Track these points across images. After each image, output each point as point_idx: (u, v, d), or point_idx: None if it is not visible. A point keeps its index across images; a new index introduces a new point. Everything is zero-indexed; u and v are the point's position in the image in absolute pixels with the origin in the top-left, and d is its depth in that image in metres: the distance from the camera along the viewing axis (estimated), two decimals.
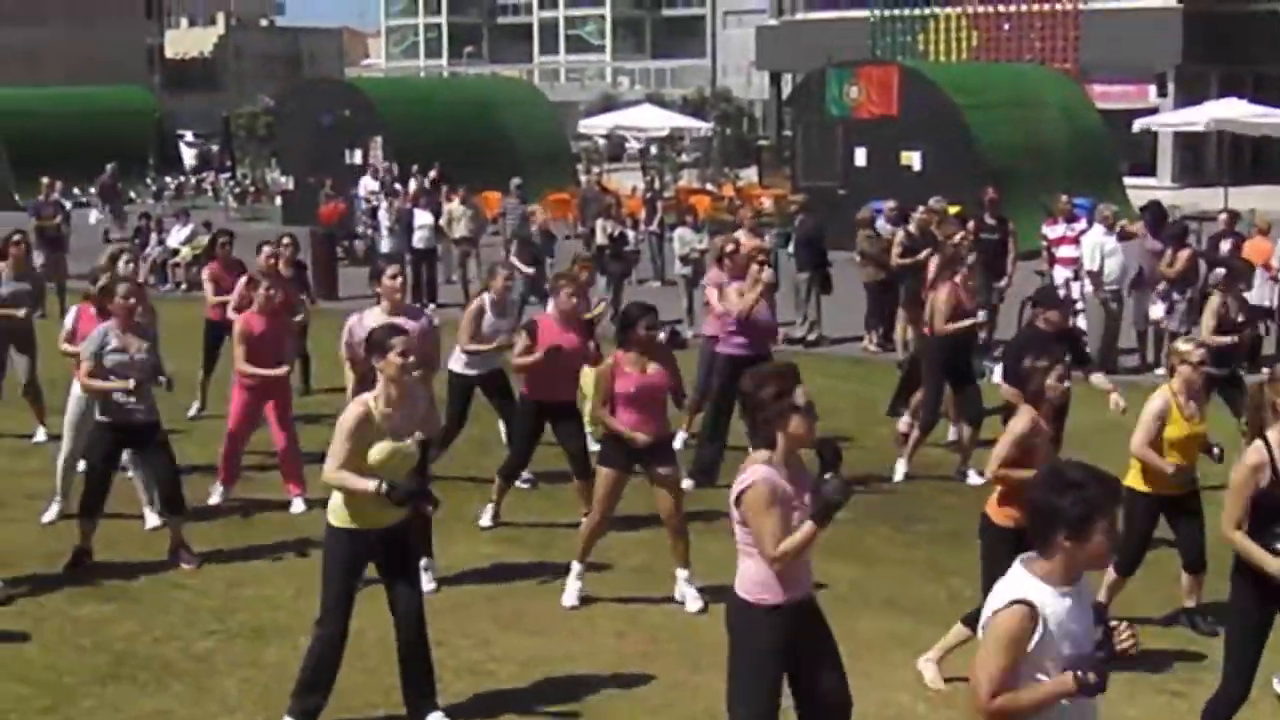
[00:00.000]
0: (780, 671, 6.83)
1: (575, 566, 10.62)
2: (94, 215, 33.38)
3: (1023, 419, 8.83)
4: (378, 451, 8.06)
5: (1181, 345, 10.10)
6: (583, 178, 46.76)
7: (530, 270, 21.34)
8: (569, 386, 12.28)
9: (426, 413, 8.60)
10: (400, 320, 10.68)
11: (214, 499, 13.20)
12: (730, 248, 14.48)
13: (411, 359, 8.24)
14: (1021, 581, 5.13)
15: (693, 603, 10.35)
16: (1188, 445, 9.76)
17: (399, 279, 11.47)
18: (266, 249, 15.19)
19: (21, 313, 15.33)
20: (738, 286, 13.84)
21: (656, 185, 37.94)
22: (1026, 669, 5.08)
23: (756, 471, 6.65)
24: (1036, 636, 5.05)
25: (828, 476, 6.57)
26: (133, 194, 49.33)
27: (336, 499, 8.24)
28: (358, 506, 8.13)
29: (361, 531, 8.17)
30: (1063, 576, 5.12)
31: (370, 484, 7.93)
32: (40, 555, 11.63)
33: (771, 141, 55.91)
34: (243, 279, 15.28)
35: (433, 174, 34.01)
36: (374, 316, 11.06)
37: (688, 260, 23.26)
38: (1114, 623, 5.17)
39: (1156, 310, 18.80)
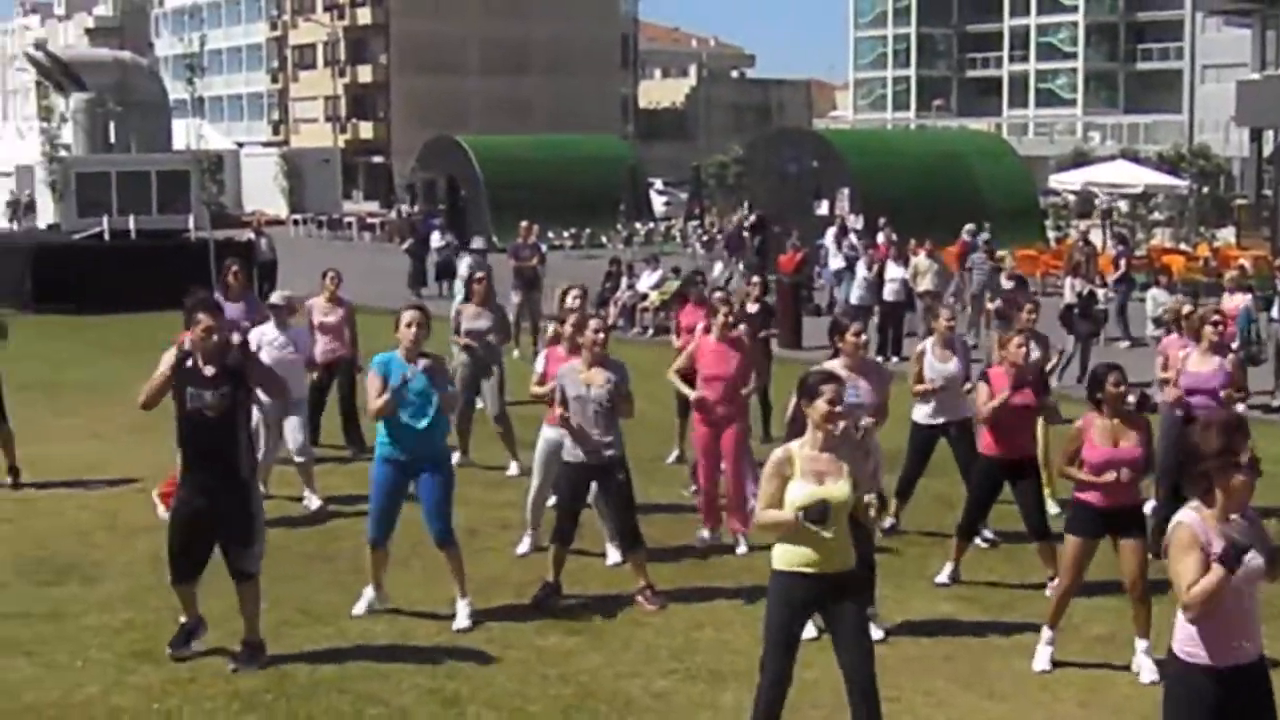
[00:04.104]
0: None
1: (1046, 632, 10.39)
2: (718, 267, 33.52)
3: None
4: (796, 494, 8.03)
5: None
6: (1051, 234, 45.92)
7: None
8: (1026, 442, 12.11)
9: (874, 468, 8.55)
10: (858, 377, 10.77)
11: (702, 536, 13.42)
12: (1187, 309, 14.04)
13: (839, 408, 8.21)
14: None
15: (1148, 674, 9.95)
16: None
17: (863, 336, 11.46)
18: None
19: (492, 337, 16.28)
20: (1188, 350, 13.47)
21: (1127, 243, 36.88)
22: None
23: (1180, 516, 6.41)
24: None
25: (1233, 517, 6.27)
26: (603, 239, 50.94)
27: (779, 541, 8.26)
28: (797, 549, 8.11)
29: (800, 574, 8.10)
30: None
31: (785, 515, 7.99)
32: (511, 585, 12.03)
33: (1250, 201, 53.81)
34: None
35: (883, 220, 33.60)
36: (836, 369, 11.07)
37: (1160, 321, 22.57)
38: None
39: None
